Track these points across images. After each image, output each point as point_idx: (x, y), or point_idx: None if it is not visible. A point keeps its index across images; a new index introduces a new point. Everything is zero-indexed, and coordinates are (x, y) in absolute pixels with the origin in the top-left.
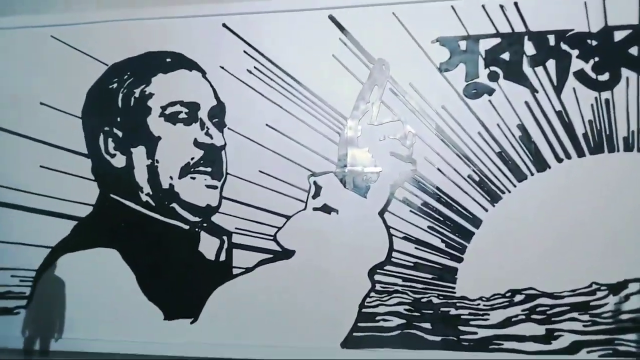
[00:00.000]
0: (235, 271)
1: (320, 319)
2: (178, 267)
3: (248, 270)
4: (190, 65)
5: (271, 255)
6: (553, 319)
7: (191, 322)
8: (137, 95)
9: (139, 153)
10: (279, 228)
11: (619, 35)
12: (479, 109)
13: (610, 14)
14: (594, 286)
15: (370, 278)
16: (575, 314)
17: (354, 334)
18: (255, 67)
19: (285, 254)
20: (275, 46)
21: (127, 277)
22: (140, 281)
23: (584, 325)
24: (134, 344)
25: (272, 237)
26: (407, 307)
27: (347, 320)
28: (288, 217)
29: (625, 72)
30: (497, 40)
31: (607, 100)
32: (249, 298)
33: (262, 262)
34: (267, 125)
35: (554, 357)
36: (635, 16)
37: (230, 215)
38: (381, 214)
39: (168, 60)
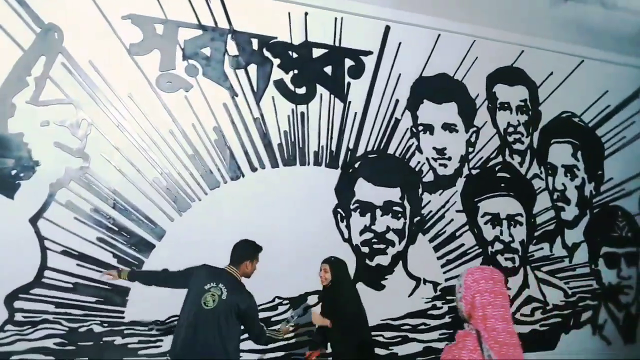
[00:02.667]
0: None
1: None
2: None
3: None
4: None
5: None
6: None
7: None
8: None
9: None
10: None
11: (317, 52)
12: (173, 104)
13: (311, 30)
14: (277, 300)
15: (7, 306)
16: None
17: None
18: None
19: None
20: None
21: None
22: None
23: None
24: None
25: None
26: (58, 340)
27: None
28: None
29: (320, 89)
30: (199, 32)
31: (302, 114)
32: None
33: None
34: None
35: None
36: (331, 37)
37: None
38: (33, 221)
39: None
